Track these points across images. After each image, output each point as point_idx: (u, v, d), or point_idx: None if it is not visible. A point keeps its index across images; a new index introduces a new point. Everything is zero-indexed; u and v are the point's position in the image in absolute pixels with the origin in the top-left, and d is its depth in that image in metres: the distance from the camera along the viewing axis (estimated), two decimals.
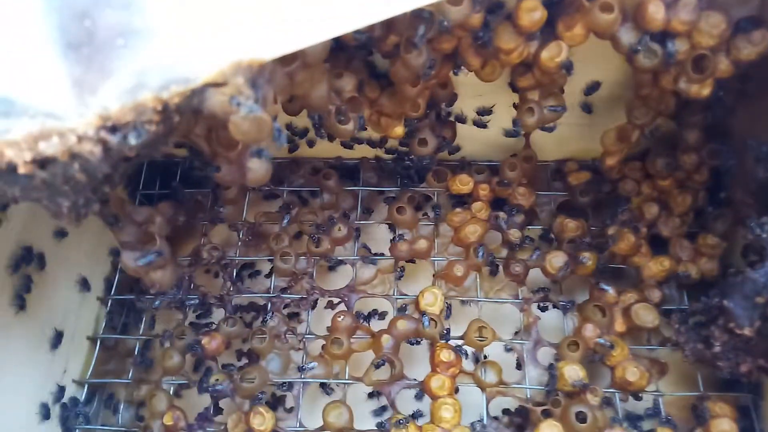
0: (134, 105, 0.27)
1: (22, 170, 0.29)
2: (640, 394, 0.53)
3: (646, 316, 0.54)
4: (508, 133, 0.57)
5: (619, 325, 0.55)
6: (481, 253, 0.57)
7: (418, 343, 0.55)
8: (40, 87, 0.27)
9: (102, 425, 0.58)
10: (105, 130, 0.28)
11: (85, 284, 0.58)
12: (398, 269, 0.59)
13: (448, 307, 0.56)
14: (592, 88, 0.55)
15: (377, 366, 0.52)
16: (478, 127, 0.59)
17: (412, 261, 0.61)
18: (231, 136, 0.41)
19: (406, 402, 0.54)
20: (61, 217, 0.35)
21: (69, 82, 0.27)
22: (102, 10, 0.27)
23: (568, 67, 0.47)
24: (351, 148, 0.63)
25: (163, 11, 0.28)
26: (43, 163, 0.30)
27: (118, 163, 0.33)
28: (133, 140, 0.29)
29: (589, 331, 0.54)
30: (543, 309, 0.58)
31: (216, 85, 0.29)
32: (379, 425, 0.52)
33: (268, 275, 0.61)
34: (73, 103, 0.27)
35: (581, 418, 0.49)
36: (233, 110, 0.31)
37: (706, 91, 0.46)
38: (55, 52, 0.27)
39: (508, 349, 0.56)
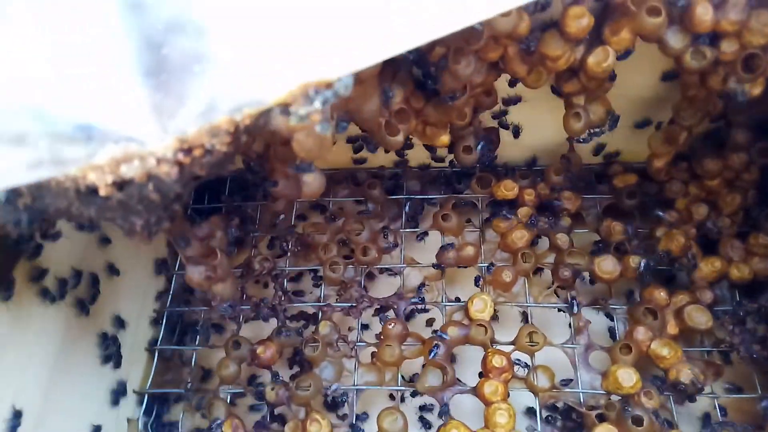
0: (210, 128, 0.29)
1: (102, 192, 0.31)
2: (695, 397, 0.53)
3: (699, 317, 0.54)
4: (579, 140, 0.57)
5: (672, 328, 0.54)
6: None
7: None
8: (123, 113, 0.28)
9: None
10: (182, 152, 0.29)
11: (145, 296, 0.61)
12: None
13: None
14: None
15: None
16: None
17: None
18: (288, 152, 0.42)
19: (458, 408, 0.55)
20: (134, 235, 0.36)
21: (149, 108, 0.28)
22: (177, 38, 0.28)
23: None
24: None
25: (232, 38, 0.29)
26: (121, 185, 0.32)
27: (188, 182, 0.34)
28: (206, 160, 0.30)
29: (641, 334, 0.54)
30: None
31: (284, 105, 0.30)
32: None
33: (317, 285, 0.63)
34: (154, 127, 0.28)
35: (637, 421, 0.48)
36: (299, 128, 0.32)
37: (757, 90, 0.45)
38: (135, 80, 0.28)
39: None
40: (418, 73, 0.48)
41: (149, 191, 0.32)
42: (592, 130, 0.51)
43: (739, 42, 0.44)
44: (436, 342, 0.54)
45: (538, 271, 0.60)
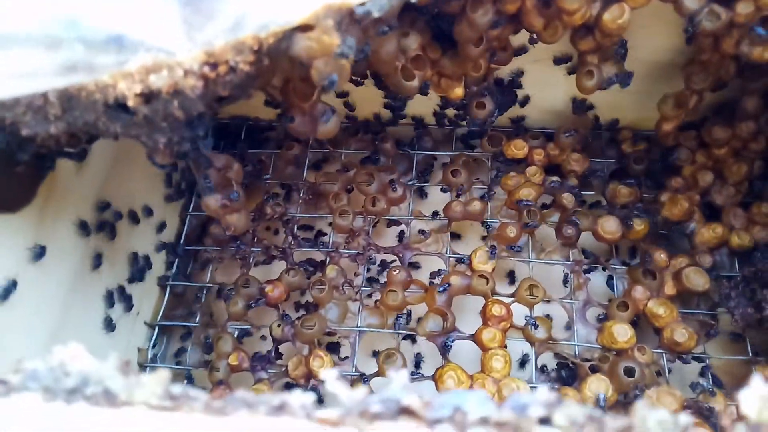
0: (236, 43, 0.30)
1: (130, 103, 0.33)
2: (687, 356, 0.54)
3: (697, 279, 0.55)
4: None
5: (669, 288, 0.56)
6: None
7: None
8: (154, 25, 0.29)
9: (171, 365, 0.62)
10: (208, 66, 0.31)
11: (160, 228, 0.63)
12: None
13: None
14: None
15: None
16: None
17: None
18: (307, 87, 0.44)
19: (457, 354, 0.57)
20: (157, 153, 0.38)
21: (179, 21, 0.29)
22: None
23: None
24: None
25: None
26: (147, 98, 0.33)
27: (211, 102, 0.36)
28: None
29: (639, 293, 0.55)
30: (587, 272, 0.60)
31: (306, 28, 0.32)
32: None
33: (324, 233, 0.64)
34: (183, 39, 0.30)
35: (629, 372, 0.50)
36: (319, 54, 0.33)
37: None
38: None
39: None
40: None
41: (174, 107, 0.34)
42: (604, 84, 0.52)
43: (755, 4, 0.45)
44: (447, 282, 0.56)
45: None
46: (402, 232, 0.64)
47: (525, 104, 0.63)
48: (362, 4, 0.31)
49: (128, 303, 0.57)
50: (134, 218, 0.58)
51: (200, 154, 0.38)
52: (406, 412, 0.22)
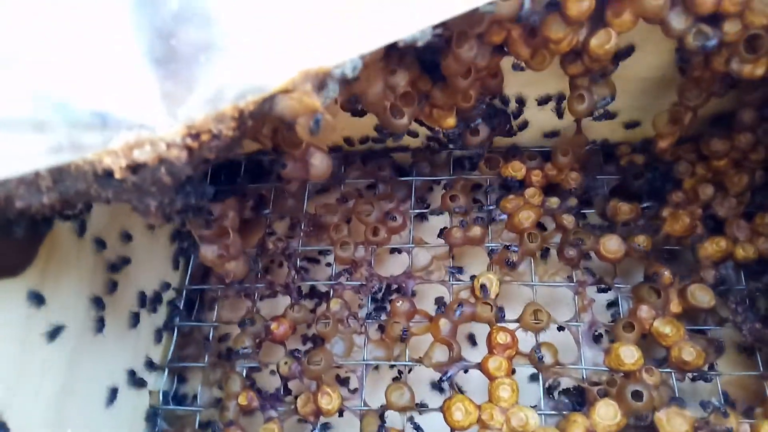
0: (216, 114, 0.30)
1: (117, 175, 0.33)
2: (696, 374, 0.54)
3: (702, 296, 0.54)
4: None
5: (675, 306, 0.55)
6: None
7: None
8: (136, 101, 0.30)
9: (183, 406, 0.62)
10: (190, 137, 0.31)
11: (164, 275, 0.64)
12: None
13: None
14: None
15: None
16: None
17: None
18: (294, 136, 0.44)
19: (464, 383, 0.57)
20: (150, 216, 0.38)
21: (159, 96, 0.30)
22: (185, 29, 0.30)
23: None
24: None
25: (237, 28, 0.31)
26: (134, 168, 0.34)
27: (198, 164, 0.36)
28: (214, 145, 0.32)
29: (645, 312, 0.55)
30: (601, 291, 0.59)
31: (286, 91, 0.32)
32: None
33: (328, 264, 0.65)
34: (164, 114, 0.30)
35: (638, 396, 0.50)
36: (301, 113, 0.33)
37: (760, 71, 0.46)
38: (146, 69, 0.30)
39: (560, 329, 0.57)
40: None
41: (161, 174, 0.34)
42: (598, 107, 0.52)
43: (742, 22, 0.44)
44: (461, 302, 0.56)
45: (545, 254, 0.62)
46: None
47: (524, 128, 0.63)
48: (337, 67, 0.31)
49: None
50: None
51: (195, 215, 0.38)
52: None
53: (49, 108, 0.30)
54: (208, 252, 0.44)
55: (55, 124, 0.30)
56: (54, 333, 0.46)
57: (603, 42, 0.47)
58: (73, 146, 0.30)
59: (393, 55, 0.50)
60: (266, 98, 0.32)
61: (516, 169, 0.63)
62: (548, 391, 0.56)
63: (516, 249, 0.58)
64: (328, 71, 0.30)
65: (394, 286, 0.62)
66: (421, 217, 0.68)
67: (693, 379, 0.55)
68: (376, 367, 0.60)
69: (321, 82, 0.31)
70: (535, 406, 0.54)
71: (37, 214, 0.40)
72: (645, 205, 0.61)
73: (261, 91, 0.31)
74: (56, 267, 0.47)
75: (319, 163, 0.45)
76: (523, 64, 0.51)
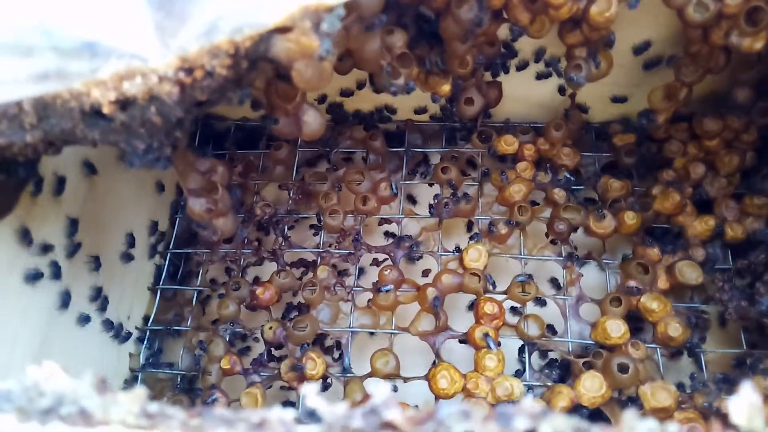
0: (210, 47, 0.29)
1: (105, 110, 0.32)
2: (681, 350, 0.54)
3: (690, 273, 0.55)
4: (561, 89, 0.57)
5: (662, 283, 0.55)
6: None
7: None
8: (127, 31, 0.29)
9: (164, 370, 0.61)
10: (183, 72, 0.30)
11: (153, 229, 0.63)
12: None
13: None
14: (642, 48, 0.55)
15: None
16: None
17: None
18: (288, 89, 0.43)
19: (450, 354, 0.56)
20: (137, 159, 0.37)
21: (152, 26, 0.29)
22: None
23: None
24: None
25: None
26: (123, 105, 0.33)
27: (190, 107, 0.35)
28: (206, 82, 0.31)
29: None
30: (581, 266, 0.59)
31: (283, 30, 0.31)
32: None
33: (317, 232, 0.64)
34: (156, 45, 0.29)
35: (623, 369, 0.50)
36: (299, 56, 0.32)
37: (759, 45, 0.45)
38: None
39: (541, 301, 0.57)
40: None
41: (151, 113, 0.33)
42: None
43: None
44: (437, 296, 0.55)
45: None
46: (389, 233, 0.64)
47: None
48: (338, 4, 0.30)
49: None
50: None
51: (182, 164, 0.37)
52: (388, 427, 0.21)
53: (36, 33, 0.29)
54: (196, 205, 0.43)
55: (42, 49, 0.28)
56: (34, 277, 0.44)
57: (603, 9, 0.46)
58: (59, 74, 0.29)
59: (391, 14, 0.49)
60: (263, 36, 0.31)
61: (509, 143, 0.62)
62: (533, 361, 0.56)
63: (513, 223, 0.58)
64: (329, 7, 0.29)
65: (383, 257, 0.62)
66: (412, 189, 0.67)
67: (671, 356, 0.55)
68: (372, 334, 0.59)
69: (320, 19, 0.30)
70: (520, 375, 0.53)
71: (19, 156, 0.39)
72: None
73: (258, 27, 0.30)
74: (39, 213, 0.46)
75: (313, 120, 0.44)
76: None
